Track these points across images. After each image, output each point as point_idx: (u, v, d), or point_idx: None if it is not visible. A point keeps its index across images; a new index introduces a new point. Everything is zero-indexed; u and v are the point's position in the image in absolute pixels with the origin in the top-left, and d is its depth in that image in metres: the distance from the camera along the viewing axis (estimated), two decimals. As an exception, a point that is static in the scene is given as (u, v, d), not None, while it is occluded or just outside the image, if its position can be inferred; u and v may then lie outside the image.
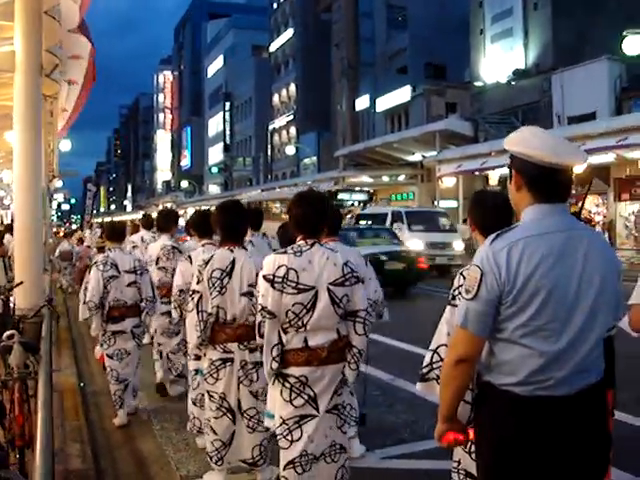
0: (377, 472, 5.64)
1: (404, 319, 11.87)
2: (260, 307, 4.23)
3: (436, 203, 36.10)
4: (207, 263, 5.10)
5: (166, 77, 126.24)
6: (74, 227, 67.78)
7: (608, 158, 25.94)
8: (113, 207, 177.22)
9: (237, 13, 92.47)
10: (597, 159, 26.15)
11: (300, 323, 4.18)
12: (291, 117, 71.07)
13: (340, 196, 29.66)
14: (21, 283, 6.88)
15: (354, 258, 4.92)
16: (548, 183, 2.81)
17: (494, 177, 32.89)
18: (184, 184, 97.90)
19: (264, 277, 4.21)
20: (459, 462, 3.61)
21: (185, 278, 5.98)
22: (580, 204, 4.52)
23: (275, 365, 4.20)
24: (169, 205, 75.64)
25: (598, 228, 29.35)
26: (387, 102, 50.60)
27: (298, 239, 4.33)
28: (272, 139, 76.87)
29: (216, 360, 5.15)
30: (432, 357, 3.52)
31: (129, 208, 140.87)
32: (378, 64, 55.66)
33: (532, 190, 2.84)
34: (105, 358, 7.28)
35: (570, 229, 2.83)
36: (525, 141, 2.85)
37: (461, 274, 3.52)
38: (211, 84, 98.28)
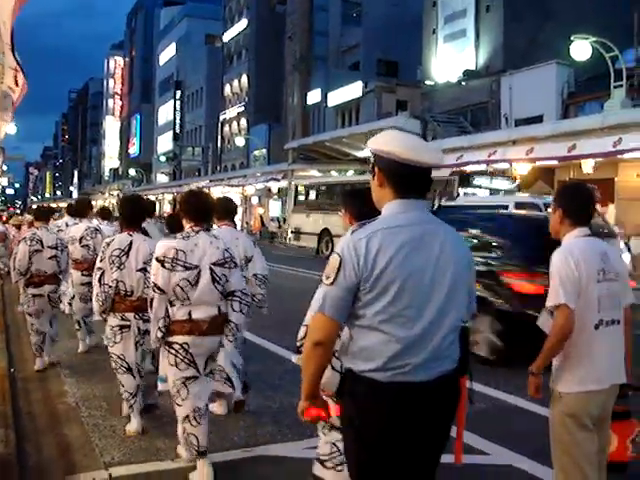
0: (302, 462, 5.63)
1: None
2: (152, 284, 5.11)
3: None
4: (109, 245, 6.14)
5: (117, 62, 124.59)
6: (17, 212, 66.65)
7: (553, 160, 26.30)
8: (59, 193, 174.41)
9: (191, 1, 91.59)
10: (543, 161, 26.54)
11: (185, 297, 5.05)
12: (242, 108, 70.72)
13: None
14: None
15: (243, 241, 6.67)
16: (408, 180, 3.04)
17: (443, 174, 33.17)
18: (132, 172, 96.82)
19: (156, 259, 5.10)
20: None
21: None
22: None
23: (160, 334, 5.08)
24: (115, 193, 74.78)
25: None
26: (338, 97, 50.68)
27: (187, 227, 5.30)
28: (222, 130, 76.42)
29: (115, 326, 6.17)
30: (305, 332, 3.65)
31: (75, 194, 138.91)
32: (331, 59, 55.74)
33: (393, 186, 3.06)
34: (26, 316, 9.01)
35: (427, 223, 3.07)
36: (388, 141, 3.07)
37: None
38: (162, 72, 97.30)
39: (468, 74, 37.53)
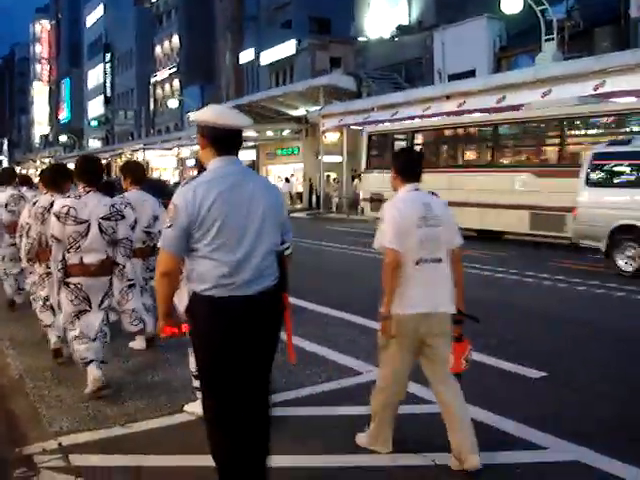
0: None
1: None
2: (50, 235, 6.31)
3: (320, 157, 36.28)
4: (34, 204, 7.36)
5: (43, 26, 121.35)
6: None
7: (486, 117, 26.56)
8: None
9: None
10: (477, 118, 26.80)
11: (77, 246, 6.16)
12: (174, 69, 69.76)
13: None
14: None
15: (150, 202, 7.93)
16: (222, 141, 3.87)
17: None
18: (63, 138, 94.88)
19: (53, 214, 6.22)
20: None
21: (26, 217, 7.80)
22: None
23: (60, 275, 6.23)
24: (47, 160, 73.25)
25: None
26: (272, 56, 50.30)
27: (80, 187, 6.35)
28: (155, 92, 75.30)
29: (43, 273, 7.32)
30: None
31: (5, 163, 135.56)
32: (262, 17, 55.14)
33: (213, 147, 3.88)
34: None
35: (240, 174, 3.89)
36: (205, 112, 3.98)
37: None
38: (90, 34, 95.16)
39: (401, 30, 37.56)
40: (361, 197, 26.91)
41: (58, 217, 6.12)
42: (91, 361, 6.24)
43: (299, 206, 41.44)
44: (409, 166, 4.97)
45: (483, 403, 5.73)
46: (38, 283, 7.56)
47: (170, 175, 58.86)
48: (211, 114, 3.92)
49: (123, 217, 6.43)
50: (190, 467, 4.77)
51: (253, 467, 3.91)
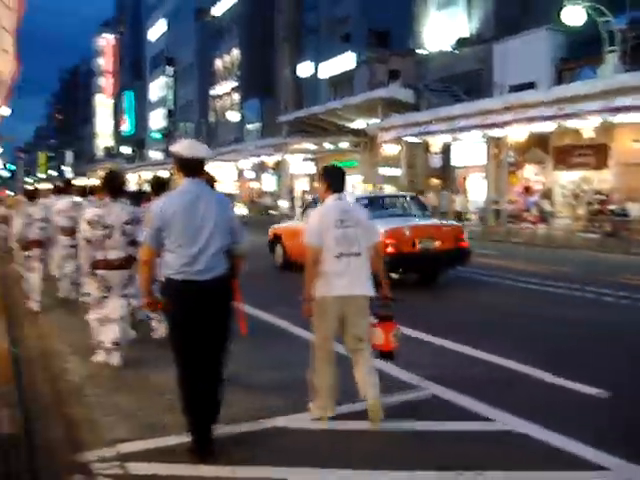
0: (307, 433, 5.69)
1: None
2: (83, 237, 7.91)
3: (378, 170, 36.22)
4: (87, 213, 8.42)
5: (107, 40, 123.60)
6: (12, 194, 66.41)
7: (547, 127, 26.23)
8: (53, 173, 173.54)
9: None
10: (537, 128, 26.46)
11: (103, 245, 7.73)
12: (234, 83, 70.36)
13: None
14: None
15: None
16: (187, 167, 5.26)
17: (435, 144, 33.09)
18: (125, 150, 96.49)
19: (85, 220, 7.93)
20: None
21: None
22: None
23: (88, 268, 7.91)
24: (110, 171, 74.37)
25: (537, 196, 29.75)
26: (330, 69, 50.42)
27: (105, 198, 7.96)
28: (215, 105, 76.07)
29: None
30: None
31: (70, 174, 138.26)
32: (322, 30, 55.29)
33: (181, 171, 5.28)
34: (23, 272, 12.14)
35: (199, 191, 5.22)
36: (177, 146, 5.35)
37: None
38: (153, 48, 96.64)
39: (460, 42, 37.27)
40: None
41: (89, 223, 7.80)
42: (112, 344, 7.64)
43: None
44: (336, 180, 6.14)
45: (550, 423, 5.66)
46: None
47: (230, 186, 59.38)
48: (179, 147, 5.32)
49: (140, 221, 7.76)
50: (244, 478, 4.79)
51: (205, 402, 5.18)
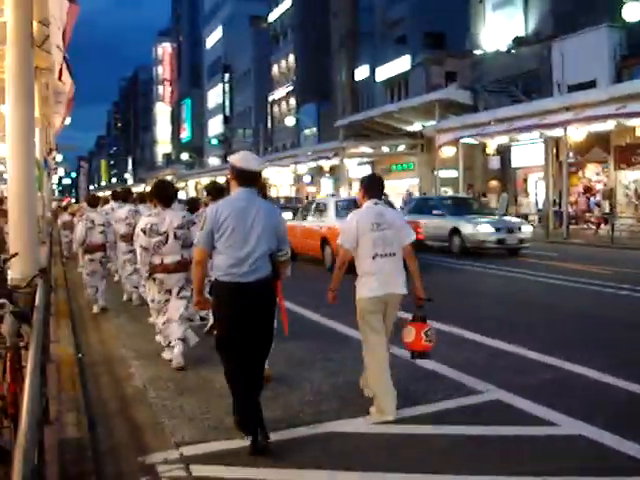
0: (367, 437, 5.69)
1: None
2: (139, 245, 8.24)
3: (436, 173, 36.00)
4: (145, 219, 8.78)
5: (165, 49, 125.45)
6: (73, 201, 67.90)
7: (608, 126, 25.79)
8: (114, 180, 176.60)
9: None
10: (597, 127, 26.02)
11: (160, 251, 8.11)
12: (290, 88, 70.74)
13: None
14: (16, 254, 6.90)
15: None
16: (241, 177, 5.65)
17: (492, 146, 32.75)
18: (184, 156, 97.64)
19: (140, 229, 8.23)
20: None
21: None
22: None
23: (146, 274, 8.31)
24: (169, 177, 75.62)
25: (598, 196, 29.26)
26: (386, 72, 50.32)
27: (158, 206, 8.29)
28: (272, 110, 76.56)
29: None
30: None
31: (130, 181, 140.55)
32: (377, 34, 55.28)
33: (235, 180, 5.69)
34: (84, 276, 12.63)
35: (250, 199, 5.60)
36: (234, 157, 5.78)
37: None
38: (210, 55, 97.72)
39: (518, 41, 36.88)
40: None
41: (144, 231, 8.13)
42: (176, 340, 8.03)
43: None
44: (372, 187, 6.59)
45: (624, 432, 5.56)
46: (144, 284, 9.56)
47: (287, 190, 59.63)
48: (235, 159, 5.74)
49: (194, 223, 8.25)
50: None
51: (249, 391, 5.49)
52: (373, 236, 6.23)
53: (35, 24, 7.80)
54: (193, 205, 11.03)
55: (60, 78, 13.47)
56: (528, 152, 33.32)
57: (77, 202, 44.01)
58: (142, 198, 14.00)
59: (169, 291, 8.19)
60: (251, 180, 5.67)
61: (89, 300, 12.37)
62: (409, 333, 6.28)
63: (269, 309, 5.64)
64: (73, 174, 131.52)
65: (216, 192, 8.98)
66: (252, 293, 5.42)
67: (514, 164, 35.39)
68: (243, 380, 5.48)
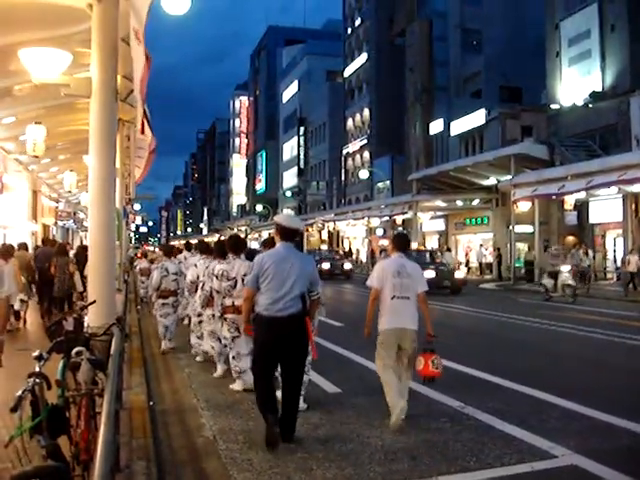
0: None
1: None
2: (211, 288, 10.00)
3: (511, 228, 35.58)
4: (206, 267, 10.78)
5: (242, 102, 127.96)
6: (151, 249, 69.19)
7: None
8: (190, 230, 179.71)
9: (312, 39, 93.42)
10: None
11: (230, 294, 9.45)
12: (365, 141, 71.23)
13: None
14: (94, 302, 7.03)
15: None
16: (283, 234, 7.05)
17: (570, 201, 32.24)
18: (259, 208, 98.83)
19: (214, 275, 9.77)
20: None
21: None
22: None
23: (219, 314, 9.74)
24: (243, 228, 76.58)
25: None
26: (461, 126, 50.29)
27: (230, 255, 9.78)
28: (346, 163, 77.12)
29: (210, 314, 10.69)
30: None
31: (205, 231, 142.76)
32: (452, 88, 55.48)
33: (278, 236, 7.09)
34: (157, 318, 13.49)
35: (289, 252, 7.01)
36: (278, 217, 7.34)
37: None
38: (286, 109, 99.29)
39: (595, 96, 36.48)
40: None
41: (217, 277, 9.66)
42: (244, 371, 9.17)
43: (488, 277, 40.61)
44: (399, 243, 8.12)
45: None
46: (206, 321, 11.05)
47: (360, 244, 59.67)
48: (280, 218, 7.28)
49: None
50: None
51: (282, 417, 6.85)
52: (394, 281, 7.73)
53: (119, 78, 8.03)
54: (252, 255, 11.44)
55: (143, 132, 13.90)
56: (606, 207, 32.71)
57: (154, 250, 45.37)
58: (187, 246, 16.88)
59: (238, 329, 9.19)
60: (290, 236, 7.09)
61: (160, 340, 13.39)
62: (419, 362, 7.67)
63: (299, 338, 6.89)
64: (150, 222, 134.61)
65: (270, 244, 9.45)
66: (284, 325, 6.77)
67: (592, 220, 34.76)
68: (273, 401, 6.92)
